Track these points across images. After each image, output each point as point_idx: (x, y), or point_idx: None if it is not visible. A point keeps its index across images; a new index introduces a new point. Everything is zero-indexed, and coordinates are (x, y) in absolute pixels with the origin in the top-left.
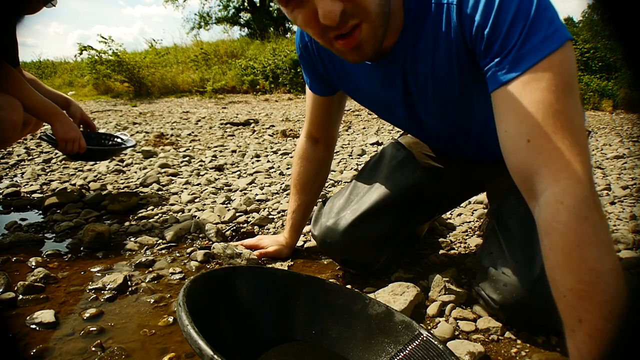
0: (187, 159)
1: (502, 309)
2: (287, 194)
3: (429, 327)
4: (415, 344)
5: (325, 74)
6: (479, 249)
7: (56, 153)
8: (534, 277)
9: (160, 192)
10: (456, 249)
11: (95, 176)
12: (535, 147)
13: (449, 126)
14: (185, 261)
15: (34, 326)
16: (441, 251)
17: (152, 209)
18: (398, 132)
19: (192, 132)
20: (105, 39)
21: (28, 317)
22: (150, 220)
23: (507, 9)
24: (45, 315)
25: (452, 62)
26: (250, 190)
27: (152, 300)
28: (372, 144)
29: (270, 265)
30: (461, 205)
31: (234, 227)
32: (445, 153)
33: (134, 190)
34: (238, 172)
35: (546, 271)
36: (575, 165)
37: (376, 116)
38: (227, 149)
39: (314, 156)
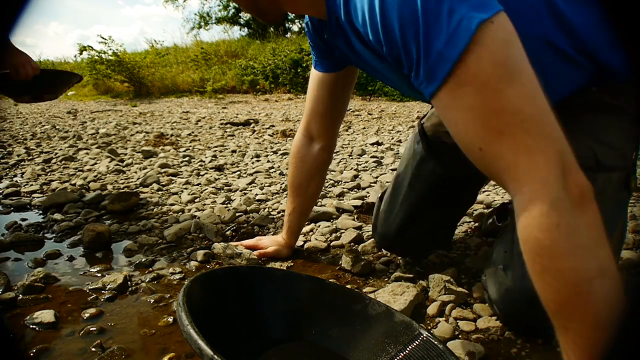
0: (187, 159)
1: (503, 314)
2: (287, 194)
3: (429, 327)
4: (415, 344)
5: (325, 46)
6: (496, 241)
7: (56, 153)
8: (528, 301)
9: (160, 192)
10: (456, 249)
11: (95, 176)
12: (489, 155)
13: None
14: (185, 261)
15: (34, 326)
16: (441, 251)
17: (152, 209)
18: (398, 132)
19: (192, 132)
20: (105, 39)
21: (28, 317)
22: (150, 220)
23: (391, 16)
24: (45, 315)
25: (379, 62)
26: (250, 190)
27: (152, 300)
28: (372, 144)
29: (269, 265)
30: None
31: (234, 227)
32: None
33: (134, 190)
34: (238, 172)
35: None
36: (537, 164)
37: (376, 116)
38: (227, 149)
39: (309, 157)
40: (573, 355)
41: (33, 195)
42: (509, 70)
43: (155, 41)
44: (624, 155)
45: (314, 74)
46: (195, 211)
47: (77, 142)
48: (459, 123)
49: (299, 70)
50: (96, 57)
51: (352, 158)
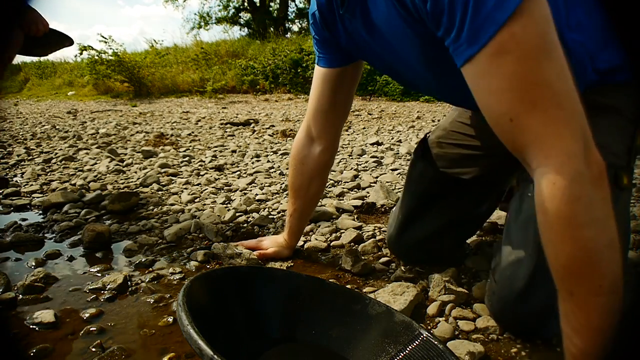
0: (187, 159)
1: (494, 318)
2: (287, 194)
3: (429, 327)
4: (415, 344)
5: (330, 35)
6: (496, 243)
7: (56, 153)
8: (517, 292)
9: (160, 192)
10: None
11: (95, 176)
12: (519, 126)
13: (435, 76)
14: (185, 261)
15: (34, 326)
16: None
17: (152, 209)
18: (398, 132)
19: (192, 132)
20: (106, 38)
21: (28, 317)
22: (150, 220)
23: None
24: (45, 315)
25: (404, 30)
26: (250, 190)
27: (152, 300)
28: (372, 144)
29: (270, 265)
30: None
31: (234, 227)
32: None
33: (134, 190)
34: (238, 172)
35: (542, 243)
36: (565, 138)
37: (376, 116)
38: (227, 149)
39: (309, 159)
40: (574, 319)
41: (33, 195)
42: (549, 45)
43: (155, 41)
44: (613, 153)
45: (317, 71)
46: (195, 211)
47: (77, 142)
48: (494, 91)
49: (299, 70)
50: (96, 57)
51: (352, 158)
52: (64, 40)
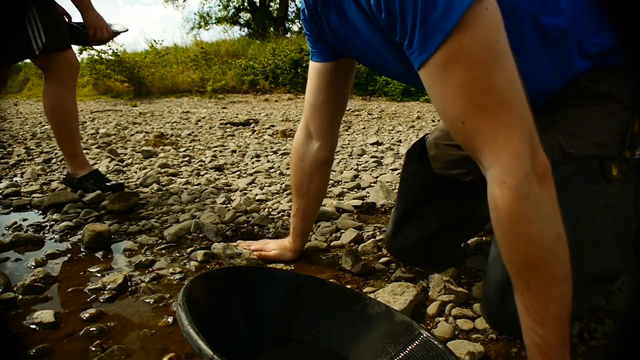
0: (187, 159)
1: (486, 320)
2: (287, 194)
3: (429, 327)
4: (415, 344)
5: (319, 31)
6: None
7: (56, 153)
8: (499, 292)
9: (160, 192)
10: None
11: None
12: (471, 129)
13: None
14: (185, 261)
15: (34, 326)
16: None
17: (152, 209)
18: (398, 132)
19: (192, 132)
20: None
21: (28, 317)
22: (150, 220)
23: None
24: (45, 315)
25: (375, 32)
26: (250, 190)
27: (152, 300)
28: (372, 144)
29: (270, 266)
30: None
31: (234, 227)
32: None
33: (134, 190)
34: (238, 172)
35: (496, 241)
36: (514, 140)
37: (376, 116)
38: (227, 149)
39: (308, 155)
40: (534, 310)
41: (33, 195)
42: (498, 52)
43: (155, 41)
44: (600, 144)
45: (312, 66)
46: (195, 211)
47: None
48: (447, 96)
49: (299, 70)
50: (96, 57)
51: (352, 158)
52: (119, 33)
